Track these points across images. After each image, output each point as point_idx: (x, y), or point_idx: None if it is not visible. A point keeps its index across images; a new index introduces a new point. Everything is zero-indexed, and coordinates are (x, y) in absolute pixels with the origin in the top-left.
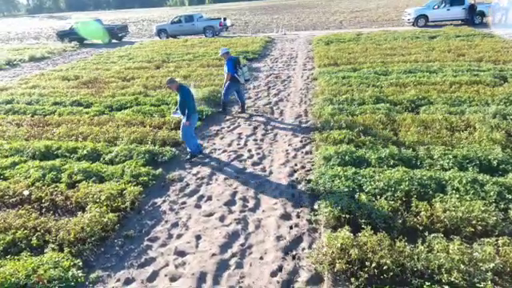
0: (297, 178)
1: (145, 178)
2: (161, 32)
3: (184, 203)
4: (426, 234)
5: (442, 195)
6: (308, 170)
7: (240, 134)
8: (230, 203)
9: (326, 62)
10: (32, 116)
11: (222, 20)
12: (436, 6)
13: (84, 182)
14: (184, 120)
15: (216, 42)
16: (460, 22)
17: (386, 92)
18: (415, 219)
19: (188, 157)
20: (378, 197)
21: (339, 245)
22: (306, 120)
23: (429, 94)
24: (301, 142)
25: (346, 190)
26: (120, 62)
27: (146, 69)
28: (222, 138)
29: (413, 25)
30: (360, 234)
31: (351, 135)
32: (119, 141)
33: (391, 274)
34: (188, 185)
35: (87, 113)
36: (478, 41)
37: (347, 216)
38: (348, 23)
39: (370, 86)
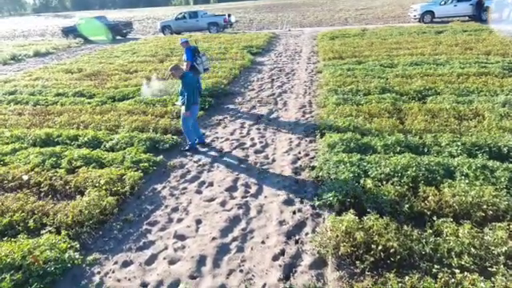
0: (300, 165)
1: (145, 165)
2: (165, 28)
3: (185, 189)
4: (435, 218)
5: (450, 181)
6: (312, 158)
7: (243, 123)
8: (231, 189)
9: (330, 55)
10: (34, 106)
11: (227, 16)
12: (443, 2)
13: (84, 167)
14: (183, 110)
15: (220, 37)
16: (467, 18)
17: (391, 83)
18: (423, 204)
19: (186, 147)
20: (384, 182)
21: (344, 228)
22: (310, 110)
23: (436, 85)
24: (304, 131)
25: (351, 175)
26: (124, 57)
27: (150, 62)
28: (224, 127)
29: (419, 21)
30: (365, 218)
31: (356, 123)
32: (120, 129)
33: (398, 257)
34: (189, 171)
35: (89, 103)
36: (485, 35)
37: (352, 200)
38: (353, 20)
39: (376, 77)
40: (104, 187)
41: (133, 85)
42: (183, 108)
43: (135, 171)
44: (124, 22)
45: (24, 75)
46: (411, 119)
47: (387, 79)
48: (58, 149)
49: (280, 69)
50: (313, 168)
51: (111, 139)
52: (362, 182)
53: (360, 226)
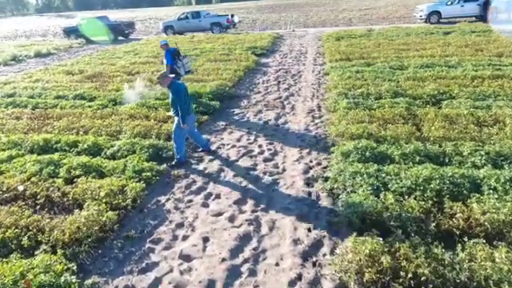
0: (313, 176)
1: (148, 174)
2: (167, 29)
3: (190, 201)
4: (465, 239)
5: (477, 195)
6: (325, 167)
7: (249, 129)
8: (240, 202)
9: (337, 56)
10: (33, 109)
11: (230, 17)
12: (449, 2)
13: (83, 177)
14: (177, 121)
15: (223, 38)
16: (474, 18)
17: (403, 86)
18: (450, 222)
19: (173, 163)
20: (406, 196)
21: (367, 251)
22: (319, 115)
23: (450, 89)
24: (315, 137)
25: (370, 188)
26: (125, 58)
27: (152, 63)
28: (230, 133)
29: (425, 21)
30: (391, 239)
31: (370, 129)
32: (122, 135)
33: (431, 286)
34: (194, 182)
35: (90, 106)
36: (495, 36)
37: (373, 218)
38: (357, 20)
39: (386, 80)
40: (104, 200)
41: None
42: (177, 118)
43: (137, 182)
44: (126, 23)
45: (24, 77)
46: (428, 126)
47: (398, 82)
48: (56, 156)
49: (286, 70)
50: (326, 179)
51: (112, 146)
52: (381, 196)
53: (385, 249)
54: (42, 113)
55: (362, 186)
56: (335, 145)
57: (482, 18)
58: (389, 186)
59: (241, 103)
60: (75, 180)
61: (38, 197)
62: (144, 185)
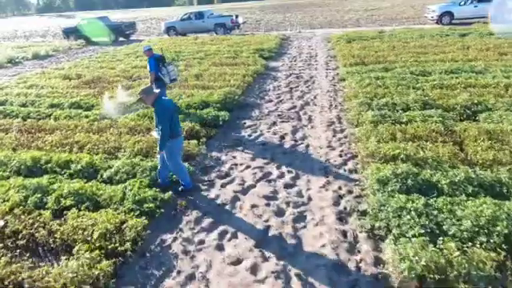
0: (345, 208)
1: (151, 206)
2: (170, 29)
3: (201, 242)
4: None
5: None
6: (358, 197)
7: (264, 144)
8: (262, 243)
9: (351, 60)
10: (24, 120)
11: (234, 17)
12: (462, 3)
13: (74, 209)
14: (158, 147)
15: (228, 39)
16: (488, 19)
17: (431, 95)
18: None
19: (179, 189)
20: (469, 243)
21: None
22: (340, 128)
23: (484, 99)
24: (340, 156)
25: (423, 231)
26: (126, 61)
27: None
28: (243, 150)
29: (436, 22)
30: None
31: (407, 150)
32: (121, 152)
33: None
34: (205, 214)
35: (87, 116)
36: None
37: (436, 277)
38: (365, 21)
39: (410, 88)
40: (98, 243)
41: (136, 94)
42: (158, 142)
43: (138, 216)
44: (127, 23)
45: (18, 81)
46: (472, 145)
47: (423, 90)
48: (45, 180)
49: (297, 75)
50: (363, 213)
51: (110, 167)
52: (440, 242)
53: None
54: (33, 124)
55: (411, 227)
56: (365, 167)
57: None
58: (444, 227)
59: (252, 113)
60: (65, 213)
61: (20, 236)
62: (146, 220)
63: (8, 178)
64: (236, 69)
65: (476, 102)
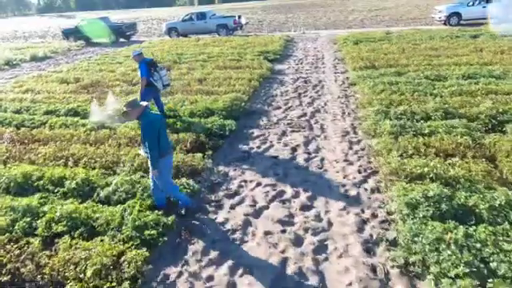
0: (371, 236)
1: (152, 233)
2: (171, 30)
3: (210, 279)
4: None
5: None
6: (384, 222)
7: (275, 157)
8: (279, 280)
9: (361, 64)
10: (17, 128)
11: (237, 18)
12: (471, 3)
13: (67, 236)
14: (150, 166)
15: (231, 41)
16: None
17: (451, 103)
18: None
19: (182, 212)
20: None
21: None
22: (356, 139)
23: (510, 107)
24: (359, 172)
25: (467, 270)
26: (126, 63)
27: None
28: (252, 164)
29: (444, 23)
30: None
31: (436, 167)
32: (120, 167)
33: None
34: (214, 242)
35: (83, 125)
36: None
37: None
38: (370, 22)
39: (428, 94)
40: (92, 282)
41: None
42: (149, 162)
43: (138, 246)
44: (128, 24)
45: (14, 85)
46: (506, 162)
47: (441, 96)
48: (35, 201)
49: (305, 79)
50: (393, 243)
51: (107, 184)
52: (489, 286)
53: None
54: (26, 134)
55: (453, 264)
56: (389, 185)
57: None
58: (492, 265)
59: (260, 121)
60: (56, 241)
61: (4, 271)
62: (147, 252)
63: None
64: (241, 72)
65: (501, 110)
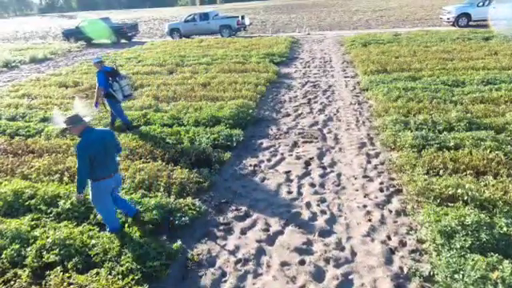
0: (401, 269)
1: (155, 264)
2: (173, 31)
3: None
4: None
5: None
6: (415, 252)
7: (288, 172)
8: None
9: (372, 67)
10: (11, 138)
11: (240, 18)
12: (480, 3)
13: (58, 268)
14: (76, 191)
15: (235, 42)
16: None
17: (474, 112)
18: None
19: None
20: None
21: None
22: (374, 152)
23: None
24: (381, 190)
25: None
26: (127, 66)
27: (158, 74)
28: (263, 180)
29: (453, 24)
30: None
31: (472, 189)
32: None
33: None
34: (224, 275)
35: None
36: None
37: None
38: (375, 23)
39: (447, 102)
40: None
41: (137, 107)
42: (89, 182)
43: (138, 280)
44: (129, 24)
45: (11, 89)
46: None
47: (462, 104)
48: (26, 223)
49: (314, 84)
50: (427, 279)
51: None
52: None
53: None
54: (20, 144)
55: None
56: (415, 207)
57: None
58: None
59: (269, 131)
60: (47, 273)
61: None
62: None
63: None
64: (246, 76)
65: None
